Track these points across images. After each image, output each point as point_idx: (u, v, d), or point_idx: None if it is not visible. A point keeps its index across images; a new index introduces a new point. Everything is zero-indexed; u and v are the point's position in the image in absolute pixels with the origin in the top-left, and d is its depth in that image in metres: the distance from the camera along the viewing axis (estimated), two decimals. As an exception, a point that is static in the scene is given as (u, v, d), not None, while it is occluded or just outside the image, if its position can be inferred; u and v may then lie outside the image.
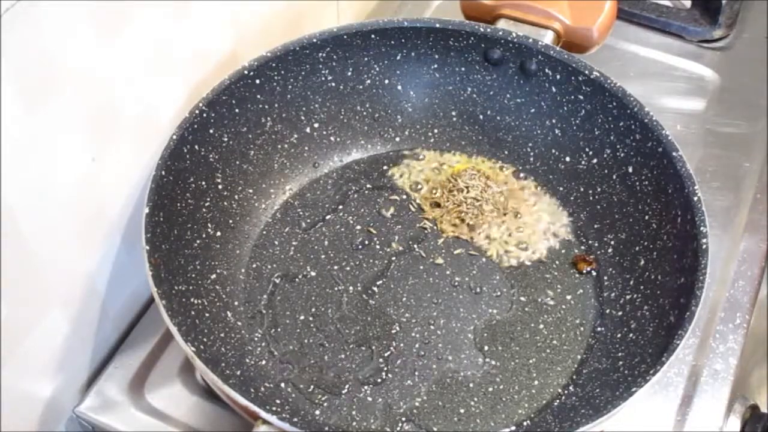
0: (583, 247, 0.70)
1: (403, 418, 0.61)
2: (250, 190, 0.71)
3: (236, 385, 0.54)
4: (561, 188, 0.73)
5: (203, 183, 0.67)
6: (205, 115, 0.65)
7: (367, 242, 0.70)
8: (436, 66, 0.74)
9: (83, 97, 0.56)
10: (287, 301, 0.67)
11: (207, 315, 0.62)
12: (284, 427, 0.52)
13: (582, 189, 0.72)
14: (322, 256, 0.69)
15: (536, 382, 0.63)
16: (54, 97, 0.53)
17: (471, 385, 0.63)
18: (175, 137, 0.63)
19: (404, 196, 0.73)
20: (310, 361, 0.63)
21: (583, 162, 0.72)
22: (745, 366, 0.70)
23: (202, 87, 0.66)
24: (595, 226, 0.71)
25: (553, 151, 0.73)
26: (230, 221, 0.69)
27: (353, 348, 0.64)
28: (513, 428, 0.61)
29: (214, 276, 0.65)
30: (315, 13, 0.82)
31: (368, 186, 0.74)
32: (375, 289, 0.68)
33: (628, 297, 0.66)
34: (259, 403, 0.52)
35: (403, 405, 0.62)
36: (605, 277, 0.68)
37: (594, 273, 0.69)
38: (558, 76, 0.71)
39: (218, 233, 0.67)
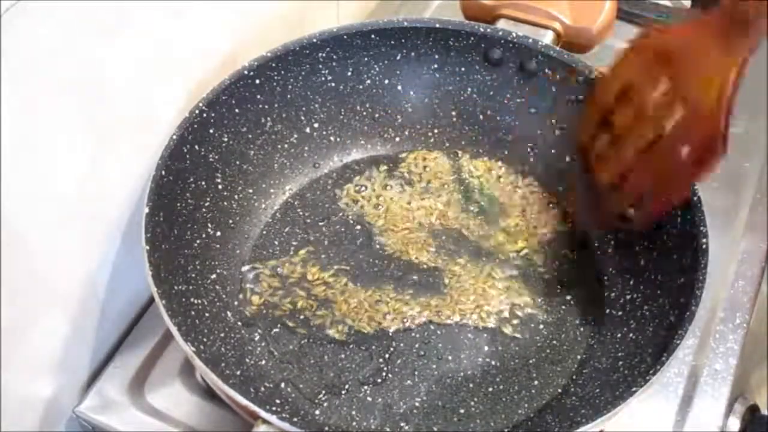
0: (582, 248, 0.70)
1: (403, 419, 0.61)
2: (250, 190, 0.71)
3: (236, 385, 0.54)
4: (561, 188, 0.73)
5: (203, 183, 0.66)
6: (205, 115, 0.66)
7: (367, 242, 0.70)
8: (436, 66, 0.74)
9: (83, 97, 0.56)
10: (287, 301, 0.67)
11: (207, 315, 0.62)
12: (284, 427, 0.51)
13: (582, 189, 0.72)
14: (323, 256, 0.69)
15: (536, 382, 0.63)
16: (54, 97, 0.53)
17: (471, 385, 0.63)
18: (175, 137, 0.63)
19: (404, 196, 0.73)
20: (310, 361, 0.63)
21: (583, 162, 0.72)
22: (745, 366, 0.70)
23: (202, 87, 0.66)
24: (595, 226, 0.71)
25: (553, 151, 0.73)
26: (230, 221, 0.69)
27: (353, 348, 0.64)
28: (513, 428, 0.61)
29: (214, 276, 0.65)
30: (315, 13, 0.82)
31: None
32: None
33: (628, 297, 0.65)
34: (259, 403, 0.52)
35: (403, 405, 0.62)
36: (605, 277, 0.68)
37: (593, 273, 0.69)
38: (558, 76, 0.71)
39: (218, 233, 0.67)
